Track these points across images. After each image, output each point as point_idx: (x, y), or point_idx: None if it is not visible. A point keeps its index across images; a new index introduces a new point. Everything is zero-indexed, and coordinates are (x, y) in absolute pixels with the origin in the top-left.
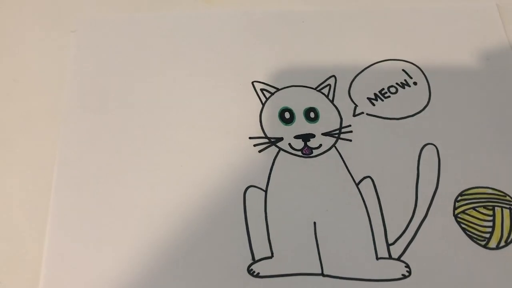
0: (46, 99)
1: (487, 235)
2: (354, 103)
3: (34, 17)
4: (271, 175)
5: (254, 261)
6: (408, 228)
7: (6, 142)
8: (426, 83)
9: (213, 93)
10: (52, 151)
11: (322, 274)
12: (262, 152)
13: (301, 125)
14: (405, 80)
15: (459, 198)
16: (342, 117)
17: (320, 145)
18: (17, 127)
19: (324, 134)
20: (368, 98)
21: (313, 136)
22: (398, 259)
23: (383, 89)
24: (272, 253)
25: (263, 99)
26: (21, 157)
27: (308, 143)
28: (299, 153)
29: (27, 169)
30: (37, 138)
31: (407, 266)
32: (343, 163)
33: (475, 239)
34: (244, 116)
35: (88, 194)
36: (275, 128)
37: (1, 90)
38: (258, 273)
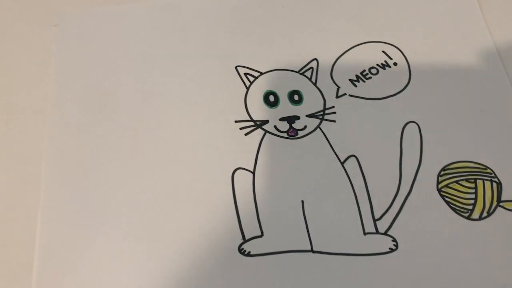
0: (30, 91)
1: (470, 207)
2: (337, 85)
3: (16, 11)
4: (258, 157)
5: (245, 241)
6: (394, 204)
7: None
8: (406, 63)
9: (197, 79)
10: (38, 142)
11: (312, 251)
12: (248, 135)
13: (285, 108)
14: (385, 61)
15: (442, 172)
16: (326, 98)
17: (305, 126)
18: (1, 119)
19: (308, 115)
20: (350, 79)
21: (297, 118)
22: (385, 233)
23: (364, 70)
24: (262, 232)
25: (247, 83)
26: (5, 151)
27: (293, 125)
28: (285, 134)
29: (13, 164)
30: (21, 131)
31: (394, 240)
32: (328, 143)
33: (458, 211)
34: (229, 101)
35: (76, 184)
36: (260, 111)
37: None
38: (249, 252)
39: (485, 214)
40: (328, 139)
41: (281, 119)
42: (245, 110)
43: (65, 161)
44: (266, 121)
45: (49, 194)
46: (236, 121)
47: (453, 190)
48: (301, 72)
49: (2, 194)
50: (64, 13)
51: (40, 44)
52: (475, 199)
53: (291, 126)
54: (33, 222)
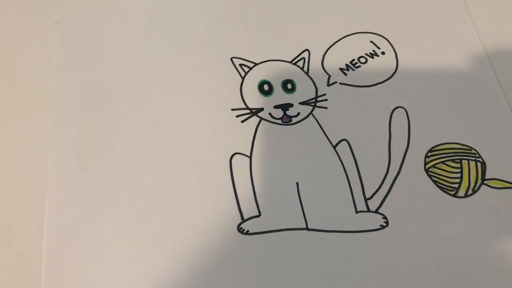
0: (34, 85)
1: (456, 186)
2: (328, 74)
3: (18, 8)
4: (254, 142)
5: (243, 220)
6: (384, 184)
7: None
8: (393, 52)
9: (195, 71)
10: (43, 133)
11: (307, 229)
12: (244, 122)
13: (279, 96)
14: (373, 50)
15: (429, 154)
16: (317, 87)
17: (298, 113)
18: (6, 113)
19: (301, 103)
20: (340, 68)
21: (291, 105)
22: (376, 211)
23: (353, 59)
24: (259, 212)
25: (242, 74)
26: (13, 141)
27: (287, 112)
28: (279, 121)
29: (20, 153)
30: (27, 123)
31: (385, 217)
32: (320, 129)
33: (445, 190)
34: (226, 90)
35: (81, 170)
36: (255, 100)
37: None
38: (248, 230)
39: (470, 191)
40: (321, 124)
41: (276, 107)
42: (241, 99)
43: (69, 150)
44: (261, 109)
45: (55, 181)
46: (232, 109)
47: (440, 170)
48: (293, 62)
49: (11, 182)
50: (65, 10)
51: (43, 40)
52: (461, 178)
53: (285, 113)
54: (41, 207)
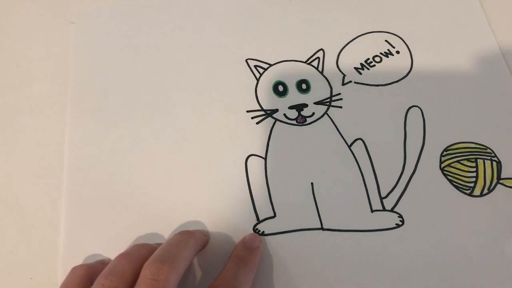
0: (50, 83)
1: (472, 185)
2: (342, 73)
3: (35, 7)
4: (269, 144)
5: (259, 221)
6: (399, 182)
7: (13, 125)
8: (408, 51)
9: (210, 72)
10: (59, 130)
11: (322, 228)
12: (259, 124)
13: (294, 96)
14: (388, 49)
15: (444, 153)
16: (332, 86)
17: (313, 113)
18: (22, 110)
19: (316, 103)
20: (355, 67)
21: (306, 105)
22: (391, 210)
23: (368, 58)
24: (274, 213)
25: (257, 75)
26: (29, 137)
27: (302, 112)
28: (294, 122)
29: (36, 149)
30: (43, 119)
31: (400, 216)
32: (335, 128)
33: (460, 189)
34: (240, 91)
35: (98, 167)
36: (270, 101)
37: (5, 76)
38: (263, 231)
39: (486, 191)
40: (336, 124)
41: (290, 107)
42: (255, 100)
43: (86, 149)
44: (276, 110)
45: (72, 179)
46: (247, 111)
47: (455, 169)
48: (308, 62)
49: (28, 179)
50: (80, 10)
51: (59, 39)
52: (476, 177)
53: (299, 114)
54: (58, 204)
